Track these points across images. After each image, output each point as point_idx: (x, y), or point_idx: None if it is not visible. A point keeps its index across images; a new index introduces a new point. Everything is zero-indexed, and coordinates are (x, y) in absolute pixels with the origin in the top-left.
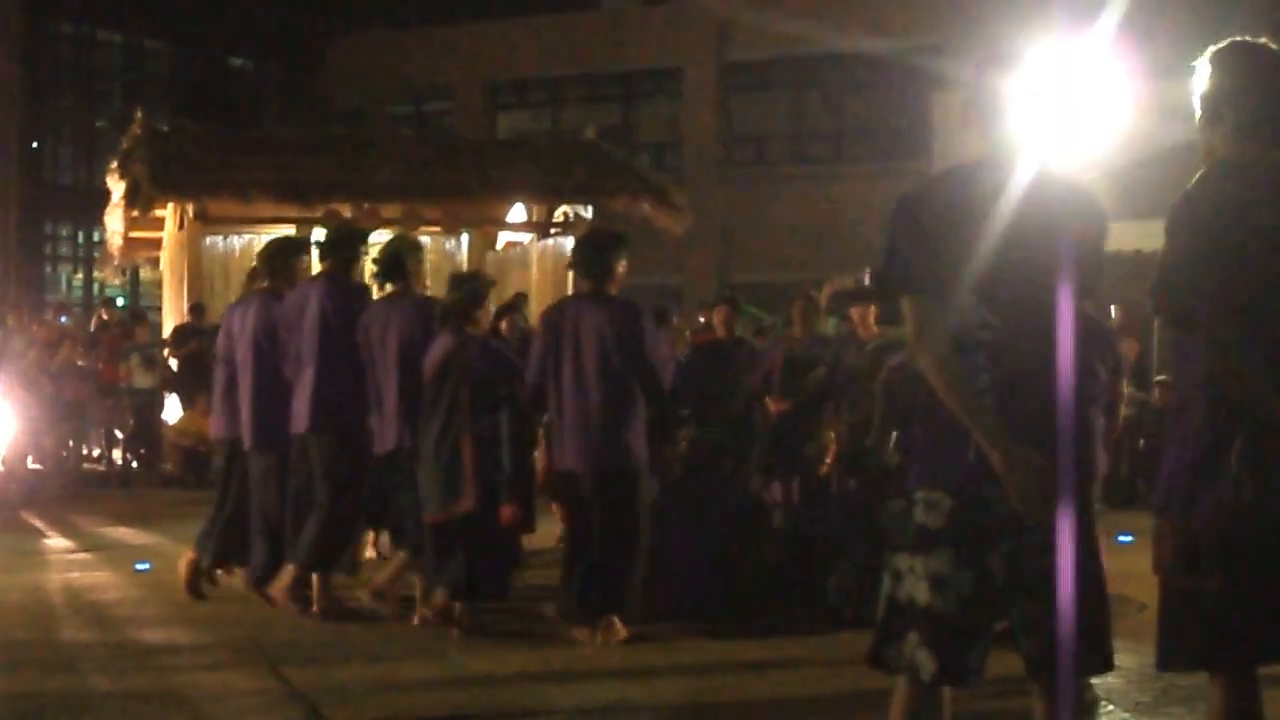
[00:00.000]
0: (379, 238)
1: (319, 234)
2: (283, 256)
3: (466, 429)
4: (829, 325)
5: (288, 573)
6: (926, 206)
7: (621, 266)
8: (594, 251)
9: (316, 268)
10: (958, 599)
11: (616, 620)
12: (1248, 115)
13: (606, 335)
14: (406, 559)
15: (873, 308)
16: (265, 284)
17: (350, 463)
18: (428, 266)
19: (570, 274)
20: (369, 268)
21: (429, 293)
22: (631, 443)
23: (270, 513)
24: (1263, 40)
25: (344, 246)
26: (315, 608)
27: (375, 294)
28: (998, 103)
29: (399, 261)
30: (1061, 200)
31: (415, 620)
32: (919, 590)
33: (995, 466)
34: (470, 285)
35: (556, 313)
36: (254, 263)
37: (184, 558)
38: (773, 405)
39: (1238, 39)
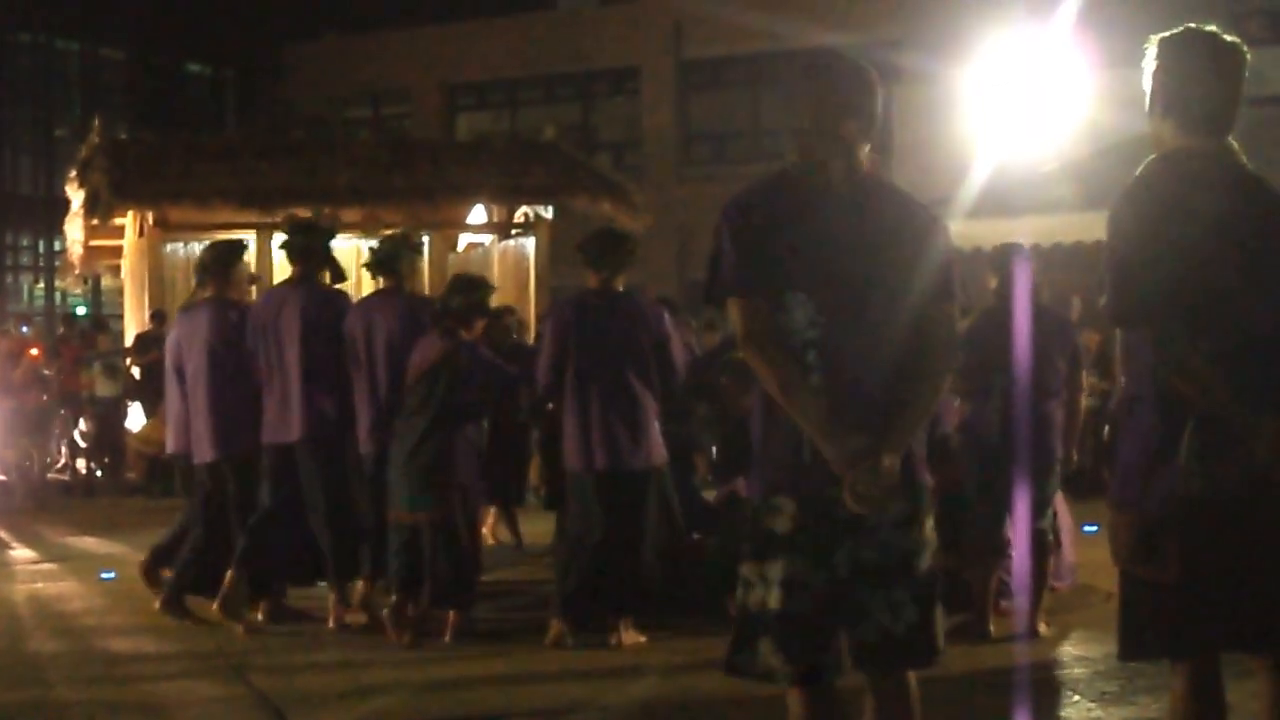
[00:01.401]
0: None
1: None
2: (228, 261)
3: (451, 435)
4: None
5: (343, 596)
6: (753, 210)
7: (631, 265)
8: (609, 249)
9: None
10: (812, 600)
11: (628, 623)
12: (1195, 105)
13: (632, 334)
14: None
15: None
16: (210, 291)
17: (346, 469)
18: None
19: (532, 274)
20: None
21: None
22: (658, 438)
23: (226, 525)
24: (1212, 28)
25: (315, 249)
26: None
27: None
28: (817, 108)
29: (394, 259)
30: (891, 207)
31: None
32: (771, 596)
33: (832, 465)
34: (477, 292)
35: (569, 310)
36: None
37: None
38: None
39: (1187, 27)
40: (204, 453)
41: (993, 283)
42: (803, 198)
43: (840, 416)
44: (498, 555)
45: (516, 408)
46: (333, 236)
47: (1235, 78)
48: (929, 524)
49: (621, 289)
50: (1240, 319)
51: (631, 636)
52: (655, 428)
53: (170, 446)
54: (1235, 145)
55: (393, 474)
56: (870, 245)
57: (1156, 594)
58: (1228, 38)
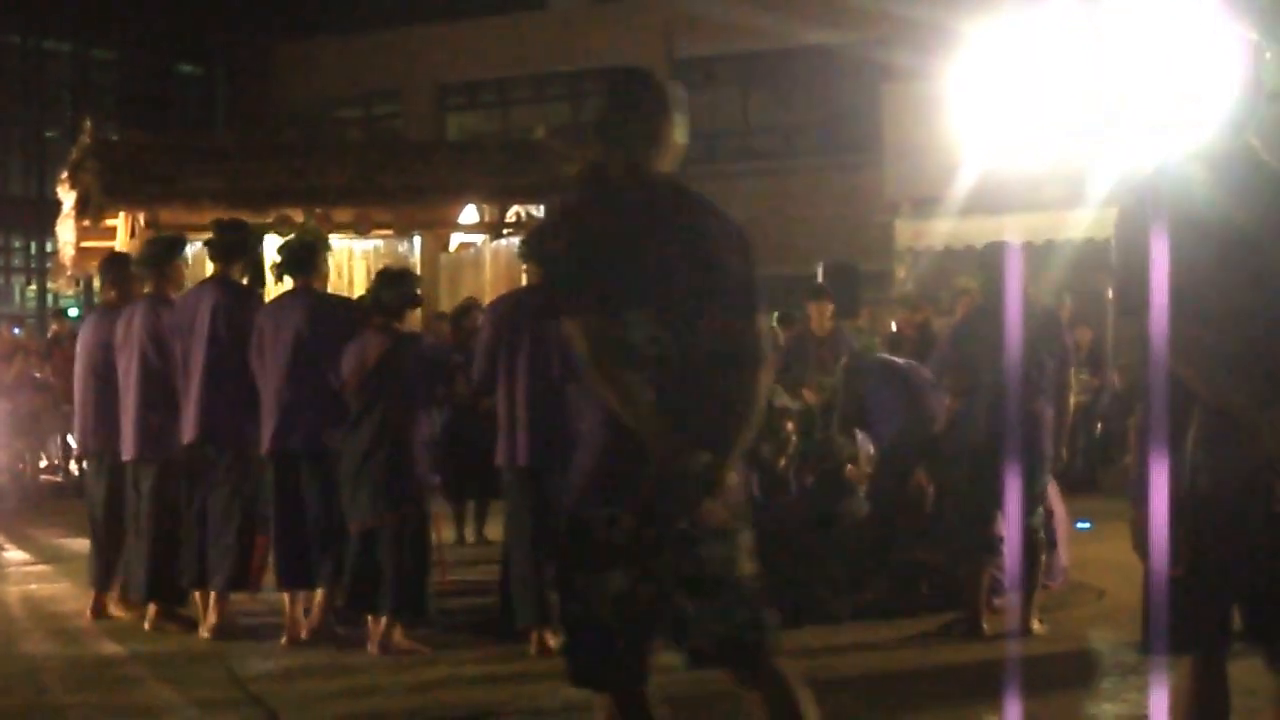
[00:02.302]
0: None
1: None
2: (167, 257)
3: (406, 432)
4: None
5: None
6: (587, 226)
7: None
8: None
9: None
10: (640, 613)
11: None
12: (1214, 101)
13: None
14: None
15: (830, 305)
16: (148, 288)
17: (247, 472)
18: (364, 268)
19: (524, 273)
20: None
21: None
22: None
23: (151, 525)
24: (1234, 25)
25: (233, 249)
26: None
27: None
28: (632, 125)
29: (303, 257)
30: (708, 217)
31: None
32: (602, 607)
33: (678, 481)
34: (405, 284)
35: (509, 305)
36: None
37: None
38: None
39: (1209, 22)
40: (128, 450)
41: (981, 281)
42: (628, 214)
43: (681, 432)
44: (482, 552)
45: (454, 397)
46: (259, 237)
47: (1256, 75)
48: (746, 533)
49: None
50: (1247, 312)
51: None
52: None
53: (80, 447)
54: (1256, 143)
55: (346, 482)
56: (698, 257)
57: (1175, 589)
58: (1249, 35)
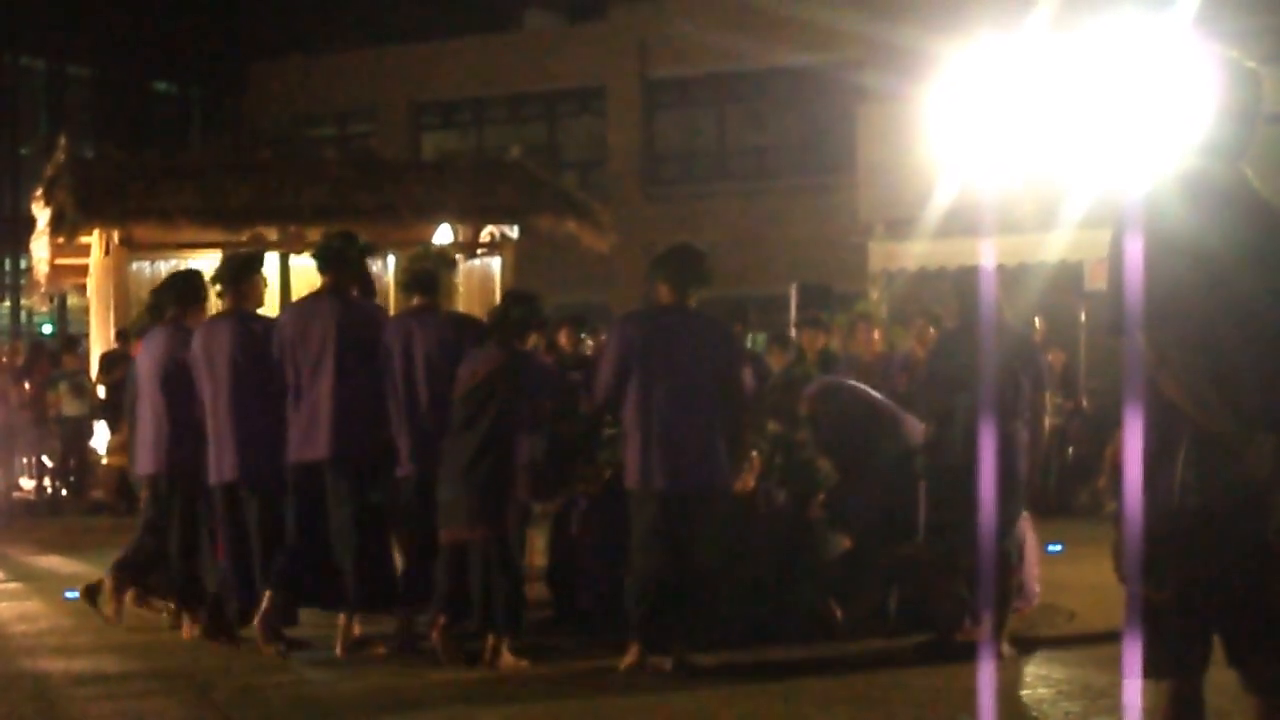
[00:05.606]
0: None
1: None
2: (247, 274)
3: (511, 449)
4: None
5: (346, 624)
6: None
7: (707, 283)
8: (685, 265)
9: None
10: None
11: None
12: (1207, 127)
13: (704, 352)
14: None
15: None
16: (229, 304)
17: (377, 489)
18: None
19: (498, 293)
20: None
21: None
22: (723, 461)
23: (262, 547)
24: (1233, 53)
25: (348, 259)
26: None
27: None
28: None
29: (433, 275)
30: None
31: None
32: None
33: None
34: (531, 303)
35: (638, 324)
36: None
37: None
38: None
39: (1207, 49)
40: (228, 471)
41: (956, 305)
42: None
43: None
44: None
45: (577, 418)
46: (369, 250)
47: (1251, 101)
48: None
49: (694, 306)
50: (1232, 338)
51: (693, 657)
52: (721, 450)
53: (148, 467)
54: (1247, 170)
55: (445, 491)
56: None
57: (1157, 611)
58: (1247, 62)
